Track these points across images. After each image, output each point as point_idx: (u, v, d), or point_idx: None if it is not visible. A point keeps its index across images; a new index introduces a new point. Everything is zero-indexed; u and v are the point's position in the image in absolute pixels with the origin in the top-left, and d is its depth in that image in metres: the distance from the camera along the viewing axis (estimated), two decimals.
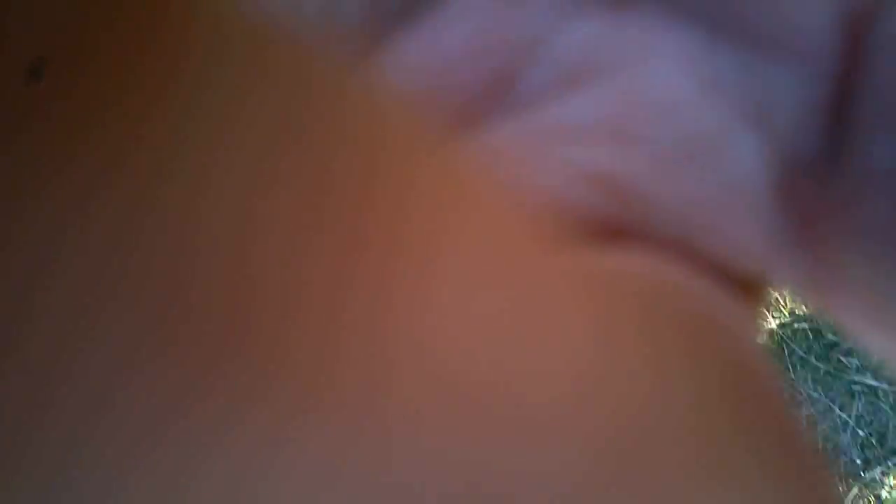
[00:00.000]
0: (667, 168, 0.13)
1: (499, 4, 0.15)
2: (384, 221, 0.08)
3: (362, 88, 0.10)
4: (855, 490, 1.26)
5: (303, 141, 0.08)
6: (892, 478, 1.26)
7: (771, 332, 1.29)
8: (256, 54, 0.08)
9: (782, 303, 1.30)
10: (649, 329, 0.11)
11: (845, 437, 1.30)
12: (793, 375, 1.25)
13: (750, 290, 0.14)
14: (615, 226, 0.13)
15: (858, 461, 1.29)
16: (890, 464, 1.28)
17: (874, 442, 1.30)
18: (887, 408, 1.30)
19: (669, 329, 0.11)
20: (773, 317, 1.30)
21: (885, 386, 1.28)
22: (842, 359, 1.30)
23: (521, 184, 0.13)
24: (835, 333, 1.28)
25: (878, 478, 1.27)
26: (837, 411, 1.31)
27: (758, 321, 0.14)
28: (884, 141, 0.13)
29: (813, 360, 1.30)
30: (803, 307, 1.27)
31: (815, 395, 1.28)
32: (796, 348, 1.30)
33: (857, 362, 1.29)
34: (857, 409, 1.32)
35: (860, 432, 1.30)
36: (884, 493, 1.27)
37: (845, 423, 1.31)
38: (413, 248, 0.08)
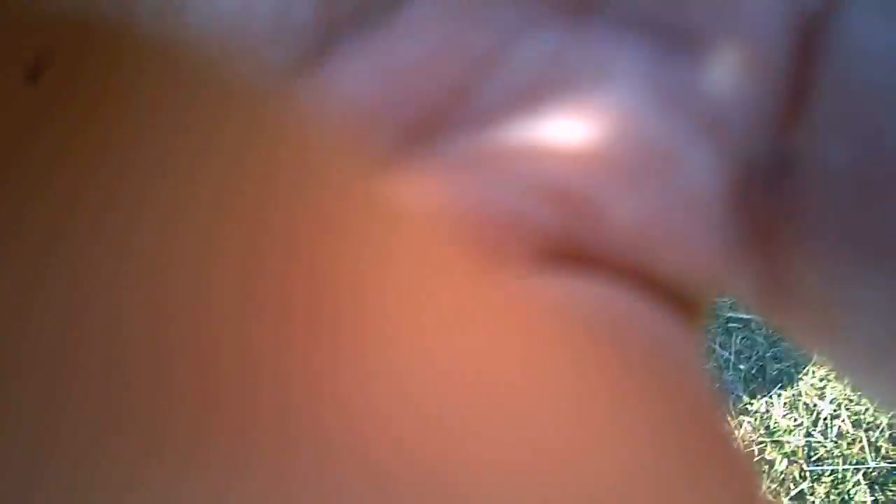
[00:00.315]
0: (623, 182, 0.13)
1: (456, 16, 0.15)
2: (311, 280, 0.08)
3: (290, 122, 0.09)
4: (745, 424, 1.31)
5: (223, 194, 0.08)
6: (778, 406, 1.31)
7: None
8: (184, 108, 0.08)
9: None
10: (595, 365, 0.11)
11: (728, 374, 1.35)
12: None
13: (696, 307, 0.14)
14: (568, 245, 0.13)
15: (744, 396, 1.34)
16: (773, 394, 1.34)
17: (755, 374, 1.36)
18: (762, 339, 1.36)
19: (617, 366, 0.11)
20: None
21: (756, 317, 1.33)
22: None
23: (473, 200, 0.13)
24: None
25: (764, 408, 1.33)
26: (718, 350, 1.36)
27: (700, 338, 0.14)
28: (837, 143, 0.13)
29: None
30: None
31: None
32: None
33: (729, 299, 1.34)
34: (736, 345, 1.37)
35: (741, 367, 1.35)
36: (771, 423, 1.32)
37: (727, 361, 1.36)
38: (343, 309, 0.08)
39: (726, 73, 0.14)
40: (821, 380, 1.31)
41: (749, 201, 0.14)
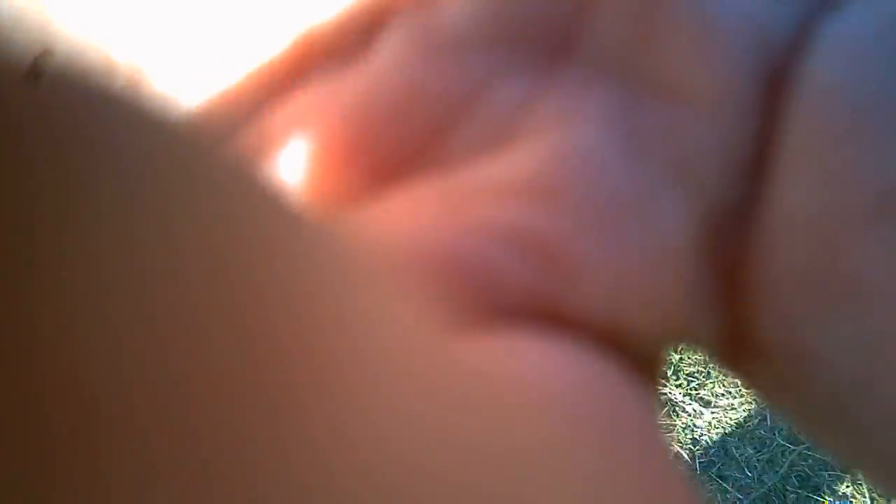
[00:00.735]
0: (591, 227, 0.13)
1: (429, 60, 0.15)
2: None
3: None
4: None
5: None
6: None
7: None
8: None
9: None
10: (563, 433, 0.11)
11: None
12: None
13: (656, 360, 0.14)
14: (536, 298, 0.13)
15: None
16: None
17: None
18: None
19: (585, 433, 0.11)
20: None
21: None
22: None
23: (441, 245, 0.13)
24: None
25: None
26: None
27: (656, 391, 0.14)
28: (802, 187, 0.13)
29: None
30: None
31: None
32: None
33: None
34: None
35: None
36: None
37: None
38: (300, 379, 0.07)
39: (694, 119, 0.14)
40: None
41: (714, 248, 0.14)
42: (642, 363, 0.14)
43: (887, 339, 0.13)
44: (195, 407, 0.07)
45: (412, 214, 0.14)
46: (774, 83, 0.14)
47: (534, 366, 0.12)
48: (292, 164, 0.15)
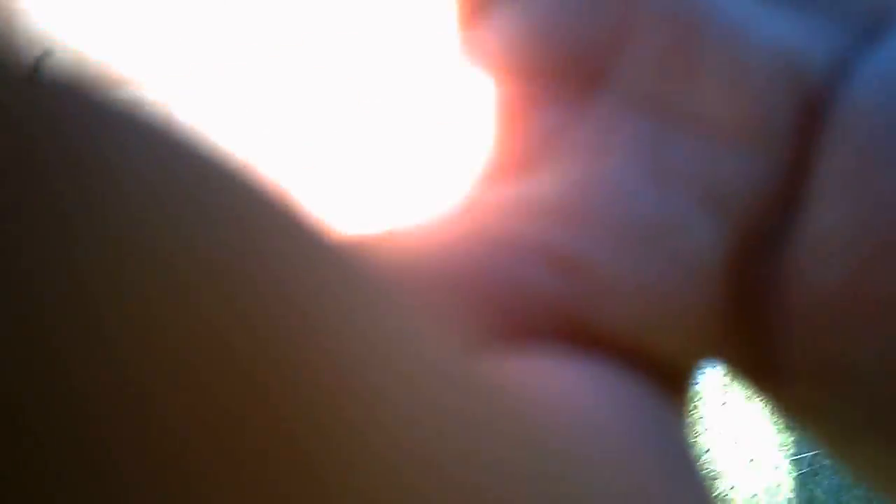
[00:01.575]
0: (619, 248, 0.13)
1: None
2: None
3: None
4: None
5: None
6: None
7: None
8: None
9: None
10: (594, 454, 0.11)
11: None
12: None
13: (685, 380, 0.14)
14: (566, 315, 0.13)
15: None
16: None
17: None
18: None
19: (614, 453, 0.11)
20: None
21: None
22: None
23: (470, 261, 0.13)
24: None
25: None
26: None
27: (688, 412, 0.14)
28: (838, 211, 0.13)
29: None
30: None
31: None
32: None
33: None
34: None
35: None
36: None
37: None
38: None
39: (726, 151, 0.14)
40: None
41: (744, 271, 0.14)
42: (671, 381, 0.14)
43: None
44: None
45: (440, 228, 0.14)
46: (810, 115, 0.14)
47: (562, 386, 0.12)
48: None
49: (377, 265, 0.09)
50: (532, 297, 0.13)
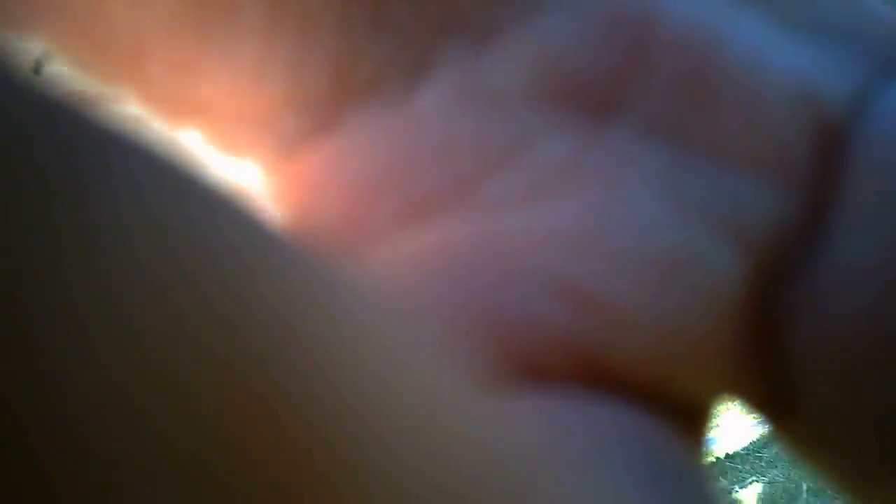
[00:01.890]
0: (634, 280, 0.13)
1: (474, 109, 0.15)
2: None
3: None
4: None
5: None
6: None
7: None
8: None
9: None
10: (596, 497, 0.10)
11: None
12: None
13: (703, 416, 0.14)
14: (579, 349, 0.13)
15: None
16: None
17: None
18: None
19: (616, 497, 0.11)
20: None
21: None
22: None
23: (476, 293, 0.13)
24: None
25: None
26: None
27: (703, 449, 0.14)
28: (862, 242, 0.13)
29: None
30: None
31: None
32: None
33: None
34: None
35: None
36: None
37: None
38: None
39: (745, 183, 0.14)
40: None
41: (765, 304, 0.14)
42: (688, 418, 0.13)
43: None
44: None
45: (446, 256, 0.14)
46: (829, 147, 0.14)
47: (577, 425, 0.12)
48: (327, 197, 0.15)
49: (374, 293, 0.09)
50: (542, 330, 0.13)
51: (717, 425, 1.28)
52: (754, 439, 1.30)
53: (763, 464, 1.28)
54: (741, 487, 1.28)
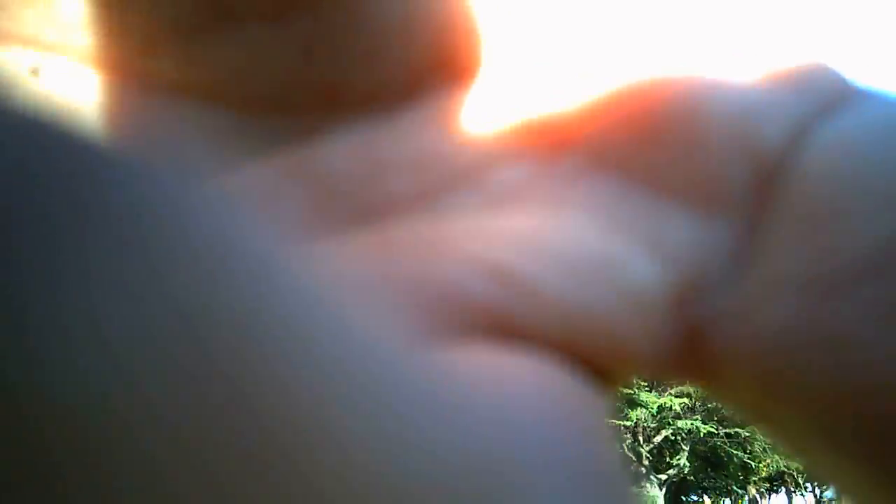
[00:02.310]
0: (560, 272, 0.14)
1: (441, 130, 0.17)
2: None
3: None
4: None
5: None
6: None
7: None
8: None
9: None
10: (525, 440, 0.11)
11: None
12: None
13: (614, 377, 0.15)
14: (501, 319, 0.14)
15: None
16: None
17: None
18: None
19: (545, 440, 0.11)
20: None
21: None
22: None
23: (412, 270, 0.14)
24: None
25: None
26: None
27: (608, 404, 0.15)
28: (790, 258, 0.15)
29: None
30: None
31: None
32: None
33: None
34: None
35: None
36: None
37: None
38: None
39: (681, 207, 0.15)
40: None
41: (692, 309, 0.15)
42: (600, 377, 0.15)
43: (863, 385, 0.14)
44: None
45: (395, 246, 0.15)
46: (765, 179, 0.15)
47: (494, 370, 0.13)
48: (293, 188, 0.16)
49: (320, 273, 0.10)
50: (471, 300, 0.14)
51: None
52: None
53: None
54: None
